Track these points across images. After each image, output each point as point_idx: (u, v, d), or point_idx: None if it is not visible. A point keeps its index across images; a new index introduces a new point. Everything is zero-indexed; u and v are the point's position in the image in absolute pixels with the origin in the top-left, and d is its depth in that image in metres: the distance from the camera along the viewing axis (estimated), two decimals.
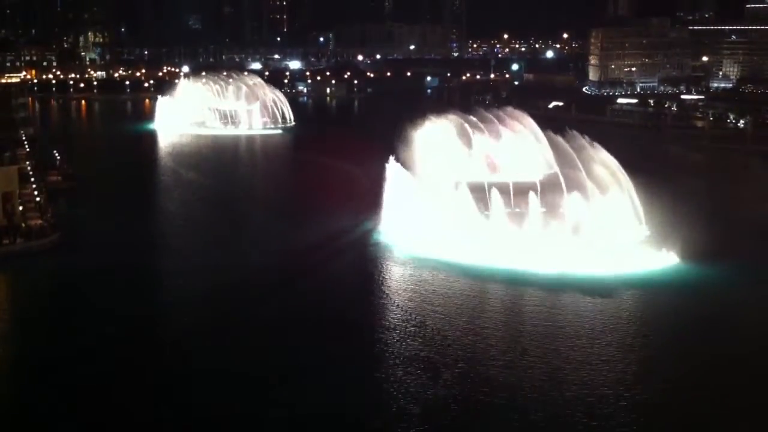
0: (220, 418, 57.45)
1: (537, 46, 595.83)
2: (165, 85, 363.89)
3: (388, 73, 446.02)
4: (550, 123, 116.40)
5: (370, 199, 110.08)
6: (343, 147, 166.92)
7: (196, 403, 59.77)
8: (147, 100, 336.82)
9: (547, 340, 70.85)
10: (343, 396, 60.60)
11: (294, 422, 57.07)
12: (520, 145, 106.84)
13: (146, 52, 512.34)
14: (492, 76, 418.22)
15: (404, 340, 71.25)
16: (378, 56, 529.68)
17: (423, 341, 70.88)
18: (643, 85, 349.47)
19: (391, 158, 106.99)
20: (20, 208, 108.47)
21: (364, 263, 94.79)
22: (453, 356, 67.44)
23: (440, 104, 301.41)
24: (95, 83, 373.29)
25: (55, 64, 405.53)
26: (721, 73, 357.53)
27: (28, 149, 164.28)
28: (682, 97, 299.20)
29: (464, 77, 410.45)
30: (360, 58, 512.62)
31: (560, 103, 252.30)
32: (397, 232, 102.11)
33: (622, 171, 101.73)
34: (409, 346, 69.68)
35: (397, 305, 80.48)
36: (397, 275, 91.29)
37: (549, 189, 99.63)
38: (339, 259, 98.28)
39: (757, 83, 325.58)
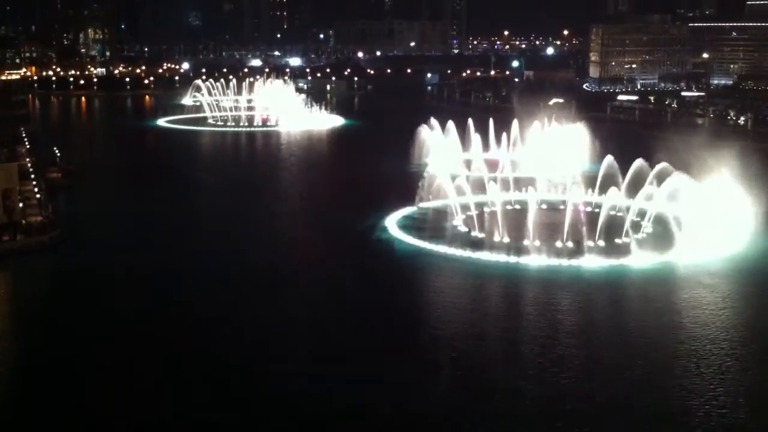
0: None
1: (537, 42, 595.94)
2: (164, 82, 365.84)
3: (389, 70, 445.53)
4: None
5: None
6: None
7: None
8: (147, 97, 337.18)
9: None
10: None
11: None
12: None
13: (146, 49, 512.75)
14: (492, 72, 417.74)
15: None
16: (378, 53, 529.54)
17: None
18: (644, 81, 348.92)
19: None
20: (20, 204, 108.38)
21: None
22: None
23: (440, 101, 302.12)
24: (95, 80, 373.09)
25: (55, 60, 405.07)
26: (721, 70, 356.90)
27: (28, 146, 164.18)
28: (683, 93, 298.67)
29: (464, 74, 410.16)
30: (360, 55, 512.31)
31: (560, 100, 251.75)
32: None
33: None
34: None
35: None
36: None
37: None
38: None
39: (758, 80, 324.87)
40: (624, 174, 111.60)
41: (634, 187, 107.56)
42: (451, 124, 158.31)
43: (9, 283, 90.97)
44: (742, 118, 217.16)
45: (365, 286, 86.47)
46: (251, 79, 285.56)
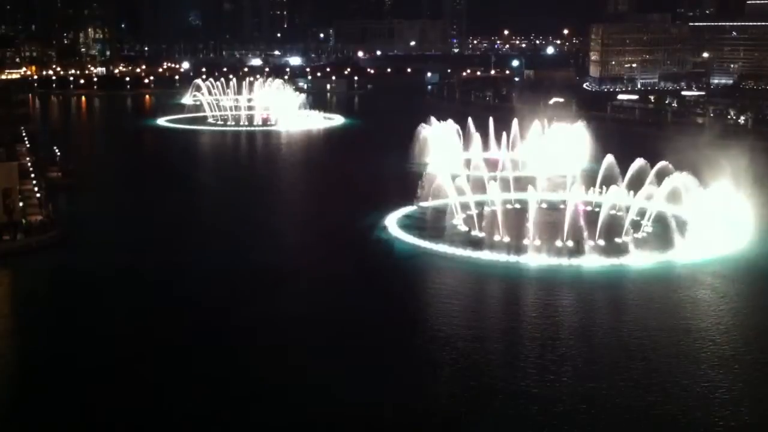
0: None
1: (537, 42, 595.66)
2: (164, 81, 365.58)
3: (389, 70, 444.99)
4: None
5: None
6: None
7: None
8: (147, 96, 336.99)
9: None
10: None
11: None
12: None
13: (146, 49, 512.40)
14: (492, 72, 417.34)
15: None
16: (378, 52, 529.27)
17: None
18: (644, 81, 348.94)
19: None
20: (21, 204, 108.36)
21: None
22: None
23: (440, 100, 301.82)
24: (95, 79, 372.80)
25: (55, 60, 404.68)
26: (721, 70, 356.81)
27: (28, 145, 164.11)
28: (683, 93, 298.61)
29: (465, 73, 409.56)
30: (360, 54, 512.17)
31: (561, 100, 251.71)
32: None
33: None
34: None
35: None
36: None
37: None
38: None
39: (758, 79, 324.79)
40: (624, 173, 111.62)
41: (635, 187, 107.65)
42: (451, 124, 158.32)
43: (9, 282, 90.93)
44: (743, 118, 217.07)
45: (365, 285, 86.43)
46: (251, 79, 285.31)
